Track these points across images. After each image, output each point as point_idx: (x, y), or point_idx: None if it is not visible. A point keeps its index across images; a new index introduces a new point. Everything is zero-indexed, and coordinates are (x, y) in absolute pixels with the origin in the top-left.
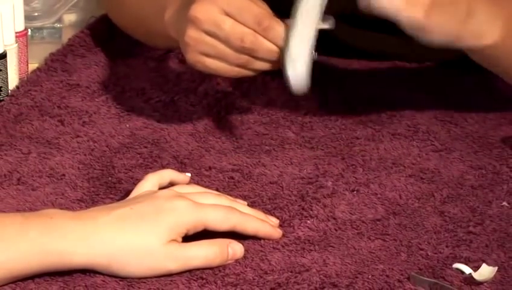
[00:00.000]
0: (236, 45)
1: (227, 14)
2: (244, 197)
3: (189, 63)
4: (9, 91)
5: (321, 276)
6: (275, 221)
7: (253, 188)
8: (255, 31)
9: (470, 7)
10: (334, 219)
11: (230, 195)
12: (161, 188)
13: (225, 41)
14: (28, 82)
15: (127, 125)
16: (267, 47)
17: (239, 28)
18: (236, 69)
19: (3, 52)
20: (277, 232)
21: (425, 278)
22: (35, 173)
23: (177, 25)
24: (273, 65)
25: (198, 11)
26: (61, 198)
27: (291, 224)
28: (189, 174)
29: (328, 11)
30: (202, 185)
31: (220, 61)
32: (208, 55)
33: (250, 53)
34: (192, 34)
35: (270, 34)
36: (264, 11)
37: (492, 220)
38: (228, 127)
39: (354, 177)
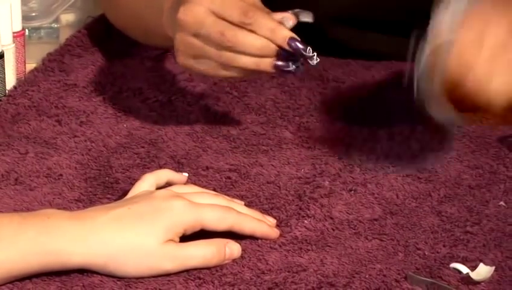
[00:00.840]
0: (217, 40)
1: (213, 13)
2: (241, 197)
3: (180, 67)
4: (7, 91)
5: (318, 276)
6: (272, 221)
7: (250, 188)
8: (241, 24)
9: None
10: (332, 218)
11: (228, 195)
12: (158, 188)
13: (207, 39)
14: (26, 82)
15: (124, 125)
16: (250, 40)
17: (219, 23)
18: (223, 71)
19: (1, 52)
20: (274, 232)
21: (422, 278)
22: (32, 173)
23: (171, 25)
24: (259, 63)
25: (185, 13)
26: (58, 198)
27: (289, 224)
28: (186, 174)
29: (328, 12)
30: (199, 185)
31: (206, 61)
32: (196, 58)
33: (233, 47)
34: (180, 38)
35: (254, 26)
36: (246, 4)
37: (489, 219)
38: (225, 127)
39: (351, 177)
